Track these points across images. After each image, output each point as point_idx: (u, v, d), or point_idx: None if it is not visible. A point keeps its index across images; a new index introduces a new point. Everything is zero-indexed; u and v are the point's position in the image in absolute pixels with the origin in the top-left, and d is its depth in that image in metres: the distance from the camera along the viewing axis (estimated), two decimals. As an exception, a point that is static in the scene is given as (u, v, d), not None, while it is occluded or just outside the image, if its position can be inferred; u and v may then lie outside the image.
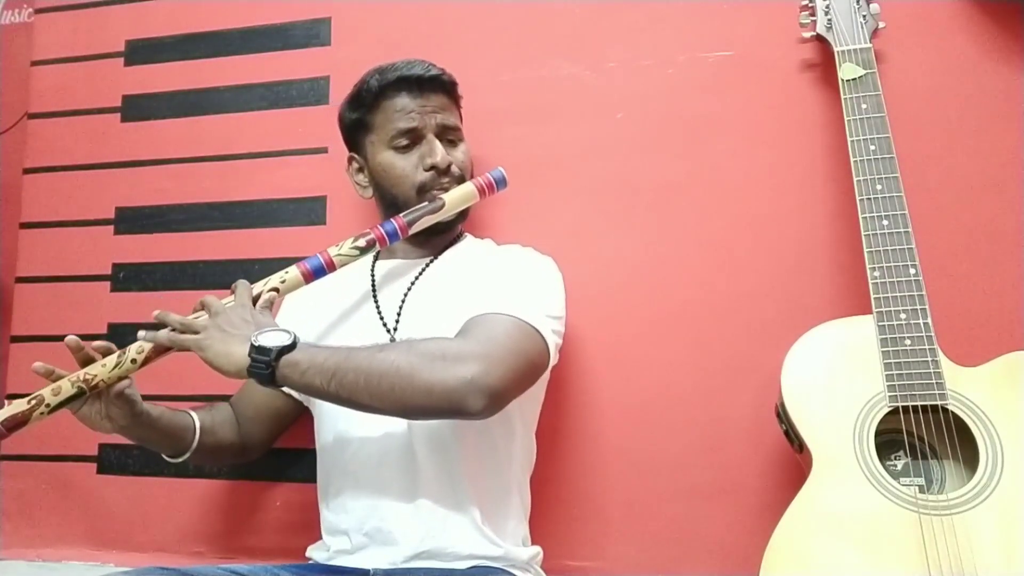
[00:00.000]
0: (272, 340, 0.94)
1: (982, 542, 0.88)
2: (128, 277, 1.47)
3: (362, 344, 1.09)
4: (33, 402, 0.98)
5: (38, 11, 1.62)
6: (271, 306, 1.05)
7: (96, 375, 1.00)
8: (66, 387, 0.99)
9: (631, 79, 1.32)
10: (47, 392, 0.98)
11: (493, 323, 0.99)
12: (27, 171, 1.56)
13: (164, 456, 1.15)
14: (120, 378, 1.01)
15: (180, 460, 1.15)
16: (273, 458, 1.30)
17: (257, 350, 0.94)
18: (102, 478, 1.42)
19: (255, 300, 1.04)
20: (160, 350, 1.02)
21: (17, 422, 0.97)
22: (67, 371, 1.01)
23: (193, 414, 1.16)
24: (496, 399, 0.94)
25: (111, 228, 1.50)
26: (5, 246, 1.60)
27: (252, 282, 1.07)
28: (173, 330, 1.01)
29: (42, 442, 1.41)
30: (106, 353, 1.02)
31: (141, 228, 1.48)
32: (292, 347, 0.95)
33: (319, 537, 1.15)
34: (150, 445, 1.13)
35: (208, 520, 1.37)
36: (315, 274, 1.08)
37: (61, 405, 0.99)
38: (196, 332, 0.99)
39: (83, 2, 1.59)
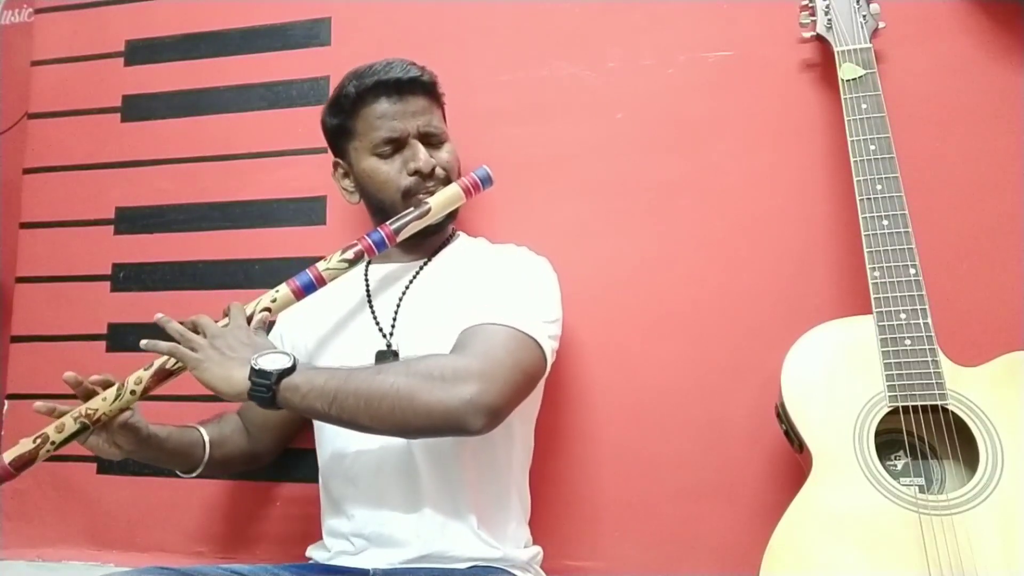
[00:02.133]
0: (272, 363, 0.95)
1: (982, 542, 0.88)
2: (128, 277, 1.47)
3: (360, 351, 1.09)
4: (39, 441, 0.99)
5: (38, 11, 1.62)
6: (264, 326, 1.05)
7: (97, 409, 1.01)
8: (69, 424, 1.00)
9: (631, 79, 1.32)
10: (51, 430, 1.00)
11: (490, 335, 0.99)
12: (27, 171, 1.56)
13: (178, 472, 1.16)
14: (121, 410, 1.02)
15: (193, 475, 1.16)
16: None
17: (257, 373, 0.94)
18: (102, 478, 1.42)
19: (248, 320, 1.04)
20: (158, 378, 1.02)
21: (24, 461, 0.99)
22: (67, 407, 1.02)
23: (201, 429, 1.16)
24: (495, 416, 0.95)
25: (111, 228, 1.50)
26: (5, 246, 1.60)
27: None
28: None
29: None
30: (106, 386, 1.03)
31: (141, 228, 1.48)
32: (292, 370, 0.95)
33: (319, 537, 1.15)
34: (161, 464, 1.14)
35: (208, 520, 1.37)
36: (305, 291, 1.08)
37: (66, 441, 1.00)
38: (194, 350, 0.99)
39: (83, 2, 1.59)
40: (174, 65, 1.52)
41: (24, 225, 1.54)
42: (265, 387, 0.93)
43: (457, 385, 0.92)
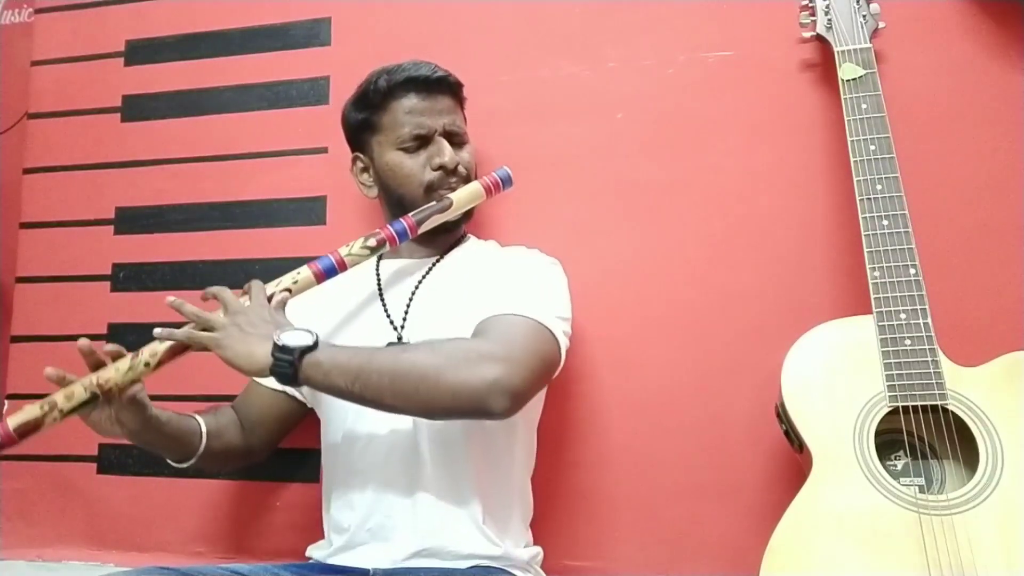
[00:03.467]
0: (295, 340, 0.94)
1: (982, 542, 0.88)
2: (128, 277, 1.47)
3: (370, 344, 1.08)
4: (46, 408, 0.96)
5: (38, 11, 1.62)
6: (284, 307, 1.04)
7: (109, 379, 0.99)
8: (79, 392, 0.97)
9: (631, 79, 1.32)
10: (60, 397, 0.97)
11: (510, 324, 1.00)
12: (27, 171, 1.56)
13: (170, 461, 1.14)
14: (133, 381, 1.00)
15: (186, 465, 1.14)
16: (273, 458, 1.30)
17: (280, 349, 0.93)
18: (102, 478, 1.42)
19: (268, 300, 1.03)
20: (174, 352, 1.00)
21: (29, 428, 0.95)
22: (75, 376, 1.00)
23: (199, 418, 1.15)
24: (518, 400, 0.96)
25: (111, 228, 1.50)
26: (5, 246, 1.60)
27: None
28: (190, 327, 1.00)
29: (42, 442, 1.38)
30: (117, 356, 1.01)
31: (141, 228, 1.48)
32: (315, 347, 0.95)
33: (320, 537, 1.15)
34: (157, 450, 1.12)
35: (208, 520, 1.37)
36: (327, 274, 1.08)
37: (74, 410, 0.98)
38: (213, 329, 0.98)
39: (83, 2, 1.59)
40: (174, 65, 1.52)
41: (24, 225, 1.54)
42: (287, 363, 0.93)
43: (482, 366, 0.93)
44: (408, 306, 1.14)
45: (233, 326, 0.98)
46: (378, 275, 1.20)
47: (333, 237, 1.36)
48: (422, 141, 1.16)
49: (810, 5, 1.20)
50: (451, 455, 1.06)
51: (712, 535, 1.19)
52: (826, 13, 1.18)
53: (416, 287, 1.16)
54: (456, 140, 1.18)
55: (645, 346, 1.26)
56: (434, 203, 1.13)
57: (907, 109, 1.17)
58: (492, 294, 1.06)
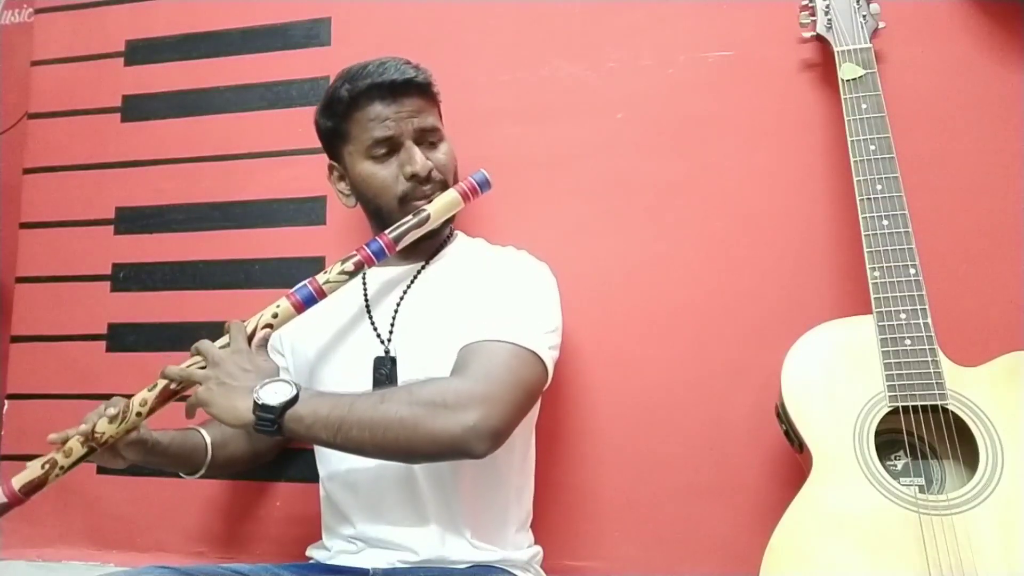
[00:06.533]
0: (274, 396, 0.94)
1: (982, 542, 0.88)
2: (128, 277, 1.47)
3: (359, 358, 1.10)
4: (47, 466, 1.00)
5: (38, 11, 1.62)
6: (266, 344, 1.04)
7: (104, 432, 1.01)
8: (77, 448, 1.01)
9: (631, 79, 1.32)
10: (59, 456, 1.01)
11: (491, 354, 0.99)
12: (27, 171, 1.56)
13: (180, 474, 1.16)
14: (128, 431, 1.02)
15: (196, 477, 1.16)
16: (274, 458, 1.30)
17: (261, 408, 0.93)
18: (102, 478, 1.42)
19: (250, 338, 1.03)
20: (163, 398, 1.02)
21: (34, 486, 1.01)
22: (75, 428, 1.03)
23: (203, 431, 1.16)
24: (499, 439, 0.95)
25: (111, 228, 1.50)
26: (5, 246, 1.60)
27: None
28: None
29: (42, 442, 1.40)
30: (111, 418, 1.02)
31: (141, 228, 1.48)
32: (295, 400, 0.94)
33: (319, 536, 1.15)
34: (164, 468, 1.14)
35: (208, 520, 1.37)
36: (306, 304, 1.07)
37: (75, 464, 1.01)
38: (198, 383, 0.99)
39: (83, 2, 1.59)
40: (174, 65, 1.52)
41: (24, 225, 1.54)
42: (269, 420, 0.93)
43: (459, 412, 0.92)
44: (394, 317, 1.12)
45: (215, 381, 0.98)
46: (364, 286, 1.18)
47: (333, 237, 1.37)
48: (391, 147, 1.12)
49: (810, 5, 1.20)
50: (444, 472, 1.05)
51: (712, 535, 1.19)
52: (826, 13, 1.18)
53: (401, 298, 1.14)
54: (430, 141, 1.15)
55: (645, 346, 1.26)
56: (411, 218, 1.10)
57: (907, 109, 1.17)
58: (476, 309, 1.05)
